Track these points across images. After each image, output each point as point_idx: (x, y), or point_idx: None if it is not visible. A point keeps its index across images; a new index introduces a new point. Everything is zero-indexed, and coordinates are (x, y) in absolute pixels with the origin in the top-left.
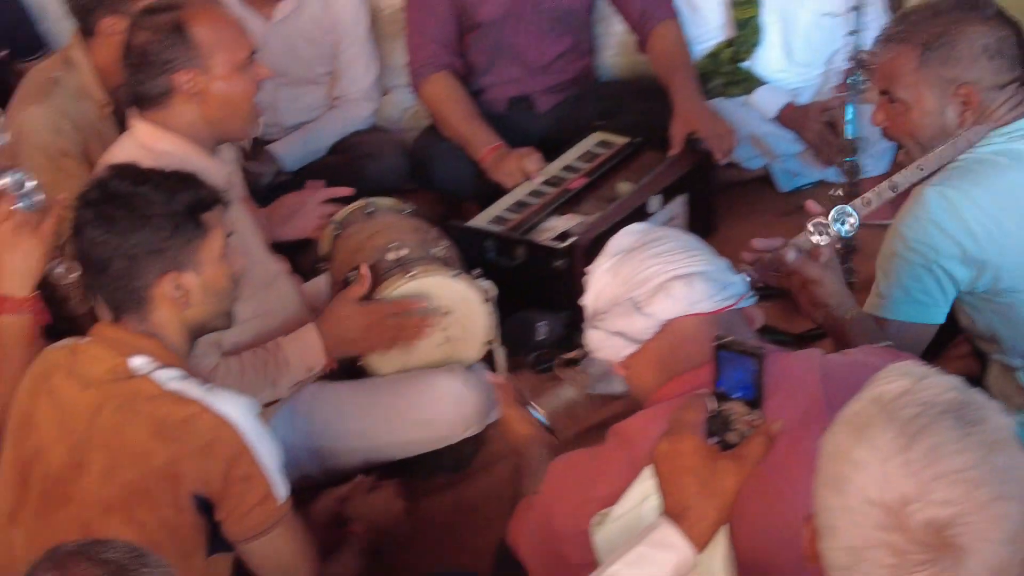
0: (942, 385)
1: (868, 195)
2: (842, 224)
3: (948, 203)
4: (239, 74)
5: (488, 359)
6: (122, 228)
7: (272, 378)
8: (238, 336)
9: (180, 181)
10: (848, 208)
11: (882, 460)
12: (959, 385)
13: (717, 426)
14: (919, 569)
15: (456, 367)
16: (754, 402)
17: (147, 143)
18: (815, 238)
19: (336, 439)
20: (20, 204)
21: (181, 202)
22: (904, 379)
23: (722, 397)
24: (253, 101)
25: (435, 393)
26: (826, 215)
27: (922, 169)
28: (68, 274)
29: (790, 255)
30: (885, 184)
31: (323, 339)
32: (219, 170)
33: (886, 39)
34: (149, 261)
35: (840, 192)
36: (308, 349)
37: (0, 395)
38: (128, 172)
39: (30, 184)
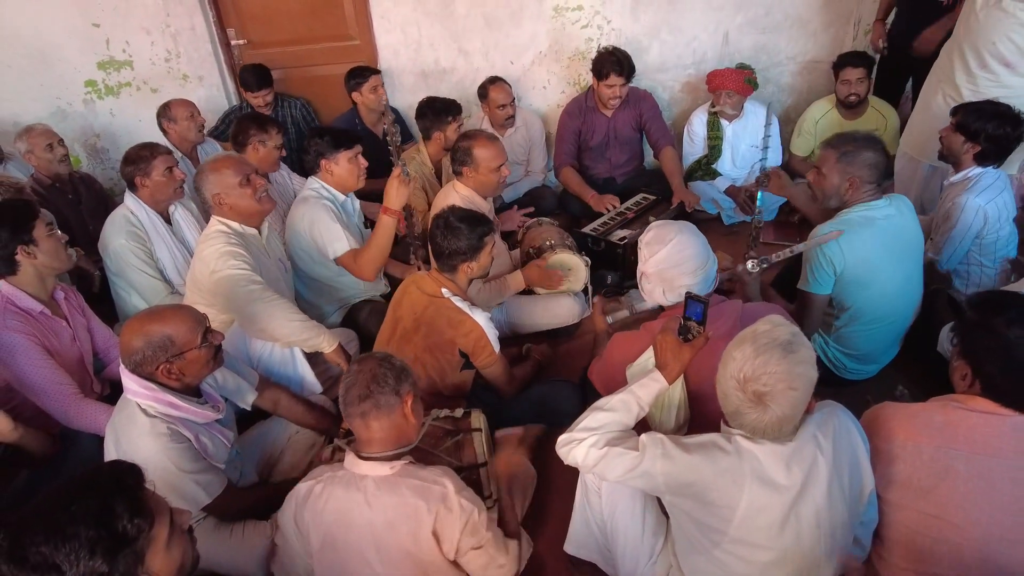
0: (784, 330)
1: (776, 254)
2: (762, 264)
3: (836, 242)
4: (494, 172)
5: (585, 291)
6: (451, 238)
7: (501, 292)
8: (493, 273)
9: (479, 221)
10: (765, 257)
11: (743, 359)
12: (795, 331)
13: (683, 331)
14: (749, 410)
15: (570, 293)
16: (702, 322)
17: (459, 191)
18: (749, 266)
19: (520, 318)
20: (403, 175)
21: (477, 234)
22: (767, 324)
23: (687, 319)
24: (498, 180)
25: (562, 302)
26: (756, 258)
27: (792, 251)
28: (408, 225)
29: (739, 269)
30: (786, 251)
31: (522, 279)
32: (486, 206)
33: (826, 144)
34: (461, 256)
35: (754, 248)
36: (516, 281)
37: (381, 259)
38: (456, 211)
39: (406, 167)
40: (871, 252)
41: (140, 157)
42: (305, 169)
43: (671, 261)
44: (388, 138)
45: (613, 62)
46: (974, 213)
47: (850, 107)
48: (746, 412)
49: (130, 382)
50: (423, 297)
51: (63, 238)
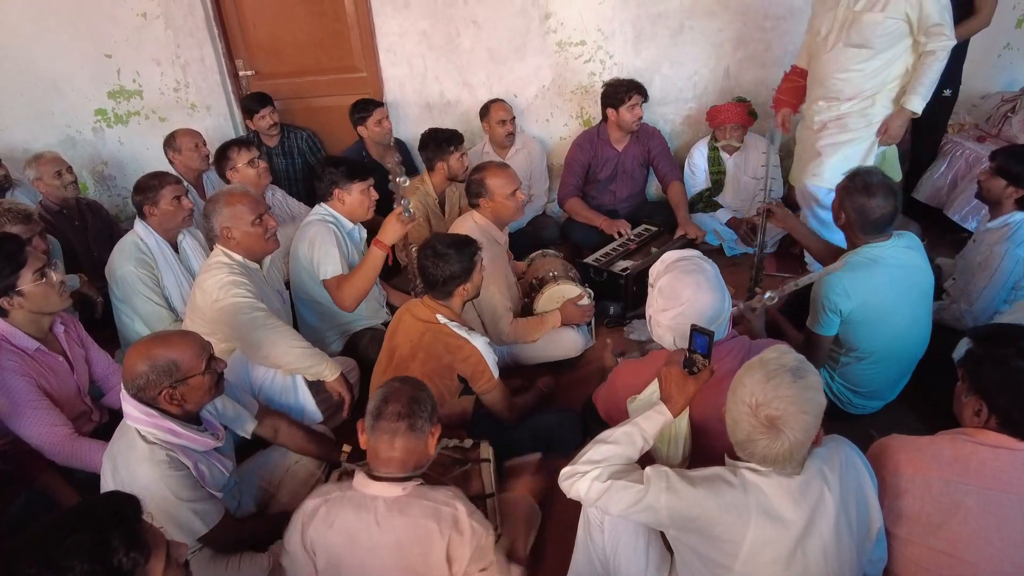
0: (791, 356)
1: (782, 287)
2: (769, 301)
3: (840, 282)
4: (508, 199)
5: (588, 323)
6: (443, 265)
7: (537, 330)
8: (508, 302)
9: (465, 243)
10: (771, 293)
11: (753, 385)
12: (800, 358)
13: (688, 363)
14: (761, 436)
15: (573, 325)
16: (707, 355)
17: (477, 221)
18: (754, 302)
19: (522, 349)
20: (405, 214)
21: (467, 255)
22: (775, 352)
23: (692, 351)
24: (515, 205)
25: (565, 334)
26: (761, 294)
27: (797, 284)
28: (409, 255)
29: (742, 307)
30: (790, 284)
31: (560, 317)
32: (503, 237)
33: (844, 177)
34: (456, 280)
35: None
36: (554, 319)
37: (364, 290)
38: (441, 239)
39: (408, 205)
40: (878, 295)
41: (149, 186)
42: (316, 196)
43: (685, 318)
44: (391, 177)
45: (629, 84)
46: (1015, 263)
47: None
48: (758, 439)
49: (131, 408)
50: (418, 324)
51: (57, 280)
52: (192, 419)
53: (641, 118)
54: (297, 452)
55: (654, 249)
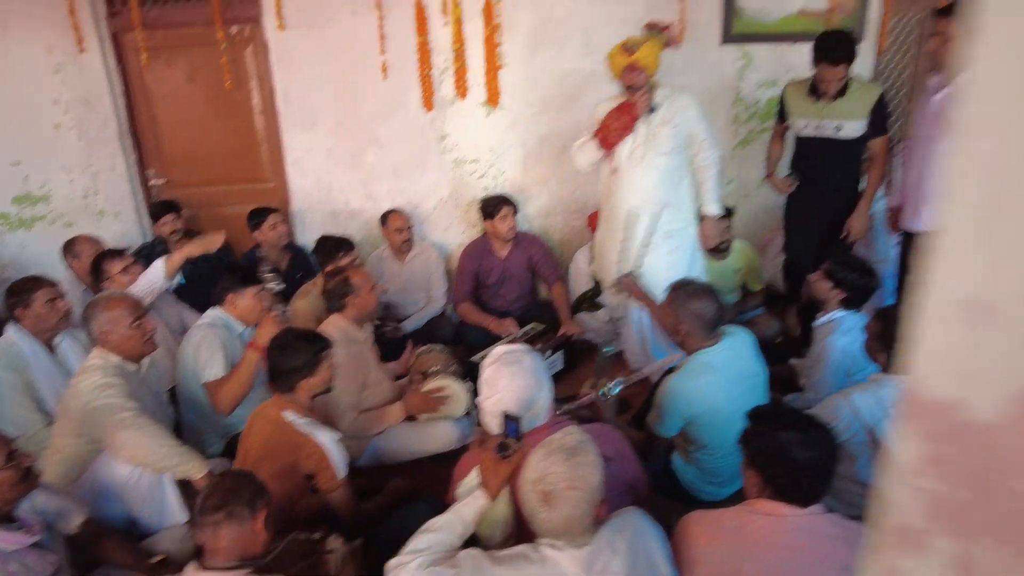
0: (573, 438)
1: (627, 377)
2: (615, 389)
3: (681, 387)
4: (372, 292)
5: (469, 415)
6: (288, 356)
7: (378, 422)
8: (369, 403)
9: (315, 338)
10: (619, 381)
11: (535, 463)
12: (584, 440)
13: (501, 448)
14: (540, 510)
15: (451, 420)
16: (518, 438)
17: (338, 324)
18: (601, 392)
19: (391, 444)
20: (279, 316)
21: (314, 349)
22: (560, 434)
23: (504, 436)
24: (376, 306)
25: (439, 428)
26: (609, 383)
27: (641, 373)
28: None
29: (596, 396)
30: (635, 375)
31: (404, 409)
32: (362, 336)
33: (669, 286)
34: (299, 373)
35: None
36: (395, 413)
37: (239, 394)
38: (293, 331)
39: (284, 311)
40: (715, 397)
41: (23, 289)
42: (211, 300)
43: (503, 404)
44: (265, 282)
45: (499, 199)
46: (840, 353)
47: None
48: (537, 512)
49: None
50: (267, 425)
51: None
52: (4, 517)
53: (514, 227)
54: (113, 561)
55: (539, 346)
